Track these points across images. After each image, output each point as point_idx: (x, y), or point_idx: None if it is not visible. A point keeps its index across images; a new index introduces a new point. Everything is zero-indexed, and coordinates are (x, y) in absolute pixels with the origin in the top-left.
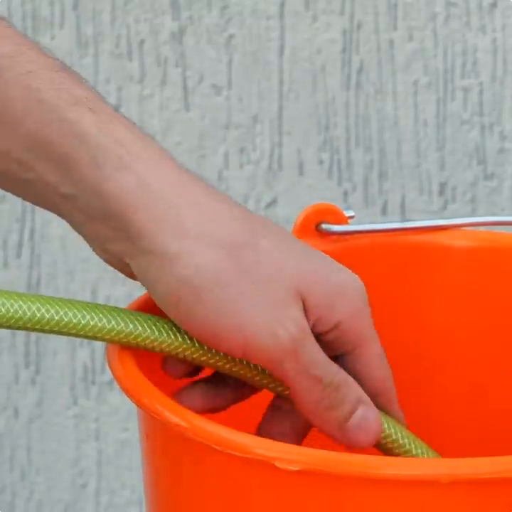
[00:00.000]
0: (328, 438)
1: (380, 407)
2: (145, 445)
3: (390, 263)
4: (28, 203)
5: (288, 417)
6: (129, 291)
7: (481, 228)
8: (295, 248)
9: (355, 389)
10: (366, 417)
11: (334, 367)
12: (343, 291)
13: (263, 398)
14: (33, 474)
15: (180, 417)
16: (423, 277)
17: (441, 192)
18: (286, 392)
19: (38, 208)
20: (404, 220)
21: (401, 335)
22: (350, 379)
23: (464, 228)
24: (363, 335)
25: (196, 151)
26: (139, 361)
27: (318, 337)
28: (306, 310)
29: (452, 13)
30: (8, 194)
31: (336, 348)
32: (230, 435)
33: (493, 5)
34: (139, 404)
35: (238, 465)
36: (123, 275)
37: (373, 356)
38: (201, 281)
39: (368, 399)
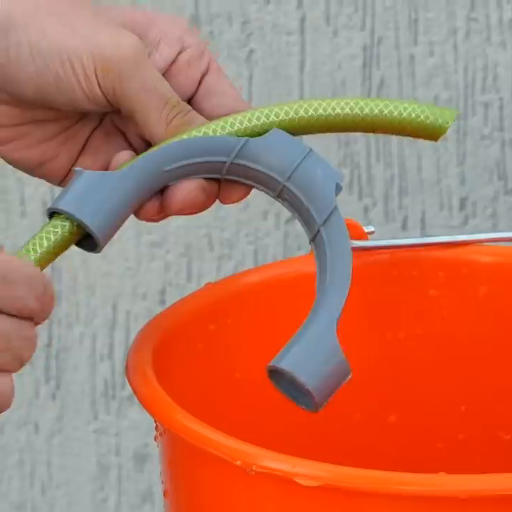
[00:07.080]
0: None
1: None
2: (165, 460)
3: (411, 279)
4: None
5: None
6: (149, 306)
7: (502, 244)
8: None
9: None
10: None
11: (177, 95)
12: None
13: (283, 418)
14: (53, 489)
15: (200, 432)
16: (444, 293)
17: (462, 207)
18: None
19: None
20: (424, 235)
21: (422, 350)
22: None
23: (485, 244)
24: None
25: None
26: (159, 376)
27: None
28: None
29: (473, 29)
30: (29, 209)
31: None
32: (251, 451)
33: None
34: (158, 419)
35: (258, 481)
36: (143, 290)
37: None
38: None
39: None
